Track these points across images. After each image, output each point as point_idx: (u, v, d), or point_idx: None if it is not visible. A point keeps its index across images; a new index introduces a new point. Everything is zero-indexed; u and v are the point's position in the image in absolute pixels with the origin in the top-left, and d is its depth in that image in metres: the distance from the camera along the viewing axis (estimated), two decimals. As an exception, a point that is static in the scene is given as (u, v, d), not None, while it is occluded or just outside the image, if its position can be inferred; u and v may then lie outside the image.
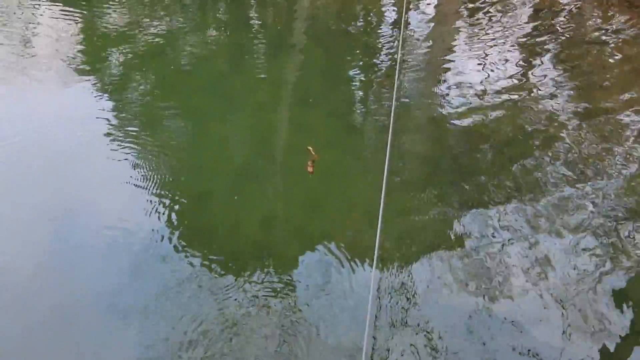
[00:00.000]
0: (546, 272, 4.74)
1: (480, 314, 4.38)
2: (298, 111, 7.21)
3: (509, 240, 5.06)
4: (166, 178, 5.84)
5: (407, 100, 7.24)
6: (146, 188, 5.66)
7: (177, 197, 5.53)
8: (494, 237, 5.10)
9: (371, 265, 4.68)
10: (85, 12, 9.67)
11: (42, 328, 4.23)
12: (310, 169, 3.96)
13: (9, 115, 6.76)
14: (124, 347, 4.12)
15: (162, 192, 5.58)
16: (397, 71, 7.46)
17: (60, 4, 9.83)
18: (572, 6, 10.01)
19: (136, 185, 5.69)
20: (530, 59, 8.30)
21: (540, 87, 7.49)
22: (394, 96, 6.87)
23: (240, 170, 6.04)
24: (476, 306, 4.43)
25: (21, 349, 4.09)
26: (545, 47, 8.65)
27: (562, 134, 6.47)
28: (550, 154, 6.14)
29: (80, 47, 8.54)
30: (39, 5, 9.89)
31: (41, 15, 9.52)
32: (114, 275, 4.66)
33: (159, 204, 5.43)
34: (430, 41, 8.94)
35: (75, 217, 5.29)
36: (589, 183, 5.72)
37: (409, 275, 4.72)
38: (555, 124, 6.67)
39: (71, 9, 9.65)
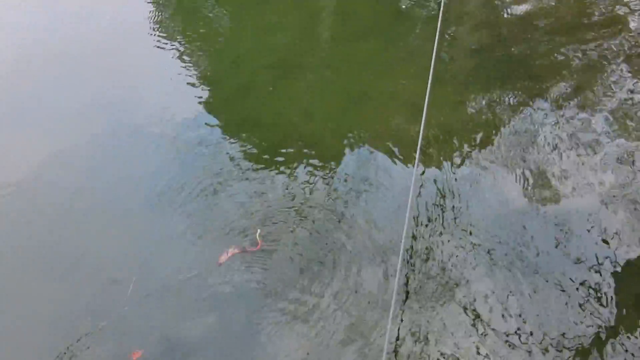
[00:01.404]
0: (596, 172, 4.56)
1: (525, 212, 4.29)
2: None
3: (558, 138, 4.83)
4: (208, 69, 5.81)
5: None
6: (189, 78, 5.66)
7: (219, 89, 5.50)
8: (543, 133, 4.88)
9: (413, 159, 4.61)
10: None
11: (97, 205, 4.45)
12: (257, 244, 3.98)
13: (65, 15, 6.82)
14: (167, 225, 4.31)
15: (205, 83, 5.57)
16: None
17: None
18: None
19: (179, 75, 5.69)
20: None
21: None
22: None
23: (282, 61, 5.90)
24: (521, 203, 4.36)
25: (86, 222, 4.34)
26: None
27: (628, 25, 5.93)
28: (614, 47, 5.68)
29: None
30: None
31: None
32: (157, 161, 4.80)
33: (202, 94, 5.44)
34: None
35: (122, 105, 5.39)
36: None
37: (451, 169, 4.64)
38: (621, 12, 6.10)
39: None
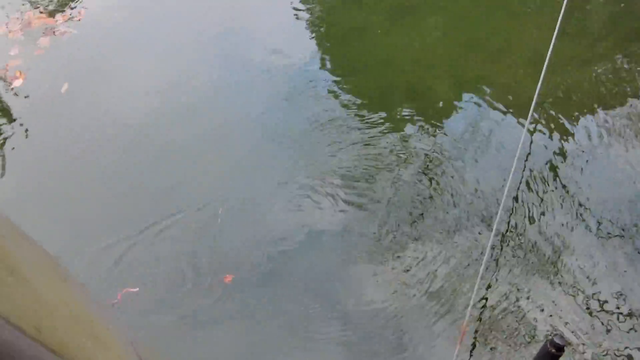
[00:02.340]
0: None
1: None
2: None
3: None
4: (323, 10, 5.79)
5: None
6: (304, 19, 5.69)
7: (334, 29, 5.49)
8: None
9: (526, 118, 4.36)
10: None
11: (212, 133, 4.72)
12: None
13: None
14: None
15: (319, 24, 5.58)
16: None
17: None
18: None
19: (295, 16, 5.75)
20: None
21: None
22: None
23: (395, 4, 5.73)
24: (633, 171, 4.03)
25: (196, 148, 4.64)
26: None
27: None
28: None
29: None
30: None
31: None
32: (265, 97, 4.96)
33: (316, 35, 5.46)
34: None
35: (241, 39, 5.58)
36: None
37: (564, 132, 4.35)
38: None
39: None
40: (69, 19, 6.15)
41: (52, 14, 6.28)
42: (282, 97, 4.91)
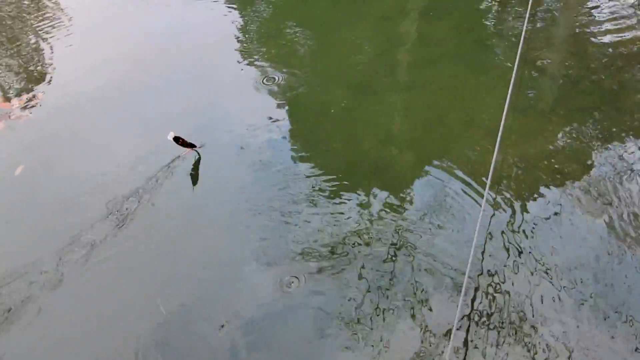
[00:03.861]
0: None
1: (604, 256, 3.99)
2: (422, 24, 6.79)
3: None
4: (287, 87, 5.92)
5: (544, 13, 6.51)
6: (268, 97, 5.80)
7: (298, 107, 5.58)
8: (631, 171, 4.55)
9: (483, 191, 4.41)
10: None
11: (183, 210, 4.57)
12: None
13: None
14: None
15: (285, 100, 5.69)
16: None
17: None
18: None
19: (257, 90, 5.86)
20: None
21: None
22: (529, 7, 6.17)
23: (360, 83, 5.89)
24: (598, 244, 4.05)
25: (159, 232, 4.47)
26: None
27: None
28: None
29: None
30: None
31: None
32: (232, 173, 4.90)
33: (283, 112, 5.55)
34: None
35: (206, 112, 5.66)
36: None
37: (523, 202, 4.40)
38: None
39: None
40: (26, 103, 6.09)
41: (8, 99, 6.22)
42: (248, 173, 4.87)
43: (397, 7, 7.21)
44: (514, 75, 5.23)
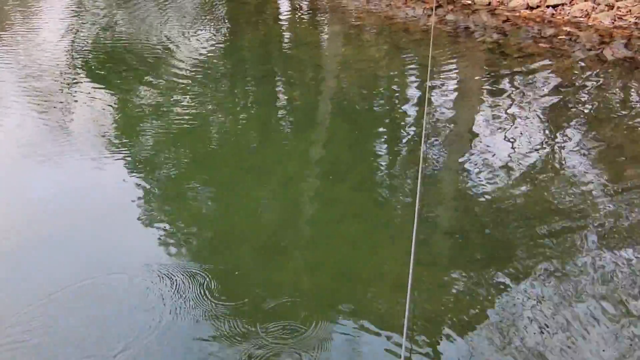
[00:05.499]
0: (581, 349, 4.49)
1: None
2: (325, 185, 7.26)
3: (543, 323, 4.82)
4: (194, 250, 5.90)
5: (433, 174, 7.25)
6: (177, 257, 5.73)
7: (205, 270, 5.52)
8: (529, 318, 4.88)
9: (400, 344, 4.49)
10: (119, 93, 10.24)
11: None
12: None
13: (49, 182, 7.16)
14: None
15: (191, 264, 5.61)
16: (422, 145, 7.51)
17: (97, 85, 10.42)
18: (594, 82, 10.09)
19: (169, 255, 5.76)
20: (557, 133, 8.30)
21: (568, 161, 7.45)
22: (420, 169, 6.88)
23: (267, 244, 6.03)
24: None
25: None
26: (571, 122, 8.67)
27: (593, 210, 6.31)
28: (583, 230, 5.99)
29: (115, 124, 8.96)
30: (78, 87, 10.49)
31: (79, 93, 10.12)
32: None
33: (188, 277, 5.43)
34: (454, 116, 9.05)
35: (105, 274, 5.44)
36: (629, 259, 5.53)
37: (436, 352, 4.52)
38: (587, 200, 6.52)
39: (107, 90, 10.20)
40: None
41: None
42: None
43: (299, 171, 7.69)
44: (414, 231, 5.64)
